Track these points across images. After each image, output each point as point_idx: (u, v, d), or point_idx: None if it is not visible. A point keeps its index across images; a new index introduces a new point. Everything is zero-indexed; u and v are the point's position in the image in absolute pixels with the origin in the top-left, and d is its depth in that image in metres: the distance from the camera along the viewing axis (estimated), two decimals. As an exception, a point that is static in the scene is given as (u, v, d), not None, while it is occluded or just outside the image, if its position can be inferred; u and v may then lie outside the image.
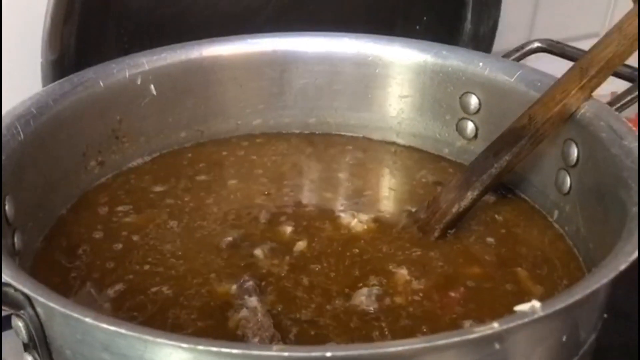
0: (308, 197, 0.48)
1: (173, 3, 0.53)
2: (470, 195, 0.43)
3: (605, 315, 0.34)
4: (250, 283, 0.38)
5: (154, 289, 0.38)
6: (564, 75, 0.43)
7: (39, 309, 0.30)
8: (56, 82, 0.45)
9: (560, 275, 0.41)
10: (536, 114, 0.43)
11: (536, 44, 0.53)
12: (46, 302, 0.28)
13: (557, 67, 0.46)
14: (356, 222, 0.44)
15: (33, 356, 0.31)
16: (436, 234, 0.43)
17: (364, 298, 0.38)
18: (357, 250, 0.42)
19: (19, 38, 0.49)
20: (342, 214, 0.45)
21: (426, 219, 0.44)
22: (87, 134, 0.46)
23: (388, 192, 0.50)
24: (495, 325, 0.26)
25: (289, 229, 0.44)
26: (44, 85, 0.46)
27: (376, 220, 0.45)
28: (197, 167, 0.50)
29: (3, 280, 0.29)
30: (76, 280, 0.39)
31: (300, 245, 0.42)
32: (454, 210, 0.43)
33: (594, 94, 0.42)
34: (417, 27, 0.64)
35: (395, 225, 0.45)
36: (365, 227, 0.44)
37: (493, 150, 0.44)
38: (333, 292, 0.38)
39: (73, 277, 0.39)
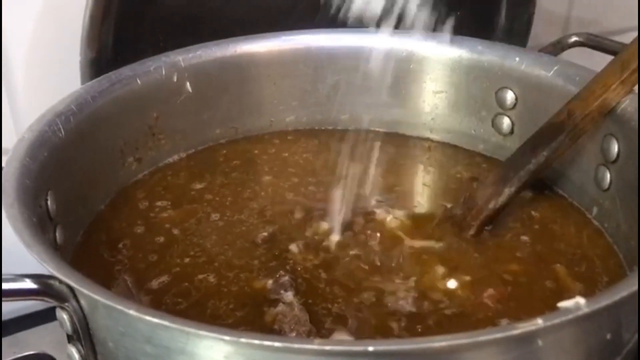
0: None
1: (208, 1, 0.54)
2: (507, 192, 0.43)
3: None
4: (286, 278, 0.38)
5: (196, 282, 0.39)
6: (604, 69, 0.42)
7: (82, 301, 0.30)
8: (95, 80, 0.45)
9: (600, 272, 0.40)
10: (575, 109, 0.42)
11: (574, 38, 0.51)
12: (90, 294, 0.28)
13: (592, 63, 0.45)
14: (391, 218, 0.44)
15: (76, 347, 0.31)
16: (472, 230, 0.43)
17: (400, 294, 0.38)
18: (392, 247, 0.42)
19: (58, 36, 0.50)
20: (376, 210, 0.45)
21: (462, 216, 0.44)
22: (124, 130, 0.46)
23: (422, 188, 0.50)
24: (540, 321, 0.25)
25: (323, 225, 0.44)
26: (82, 83, 0.47)
27: (411, 216, 0.44)
28: (232, 164, 0.50)
29: (48, 273, 0.30)
30: (120, 273, 0.39)
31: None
32: (491, 206, 0.43)
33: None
34: (450, 22, 0.63)
35: (430, 221, 0.44)
36: (400, 223, 0.44)
37: (531, 146, 0.43)
38: (368, 288, 0.38)
39: (117, 270, 0.40)
